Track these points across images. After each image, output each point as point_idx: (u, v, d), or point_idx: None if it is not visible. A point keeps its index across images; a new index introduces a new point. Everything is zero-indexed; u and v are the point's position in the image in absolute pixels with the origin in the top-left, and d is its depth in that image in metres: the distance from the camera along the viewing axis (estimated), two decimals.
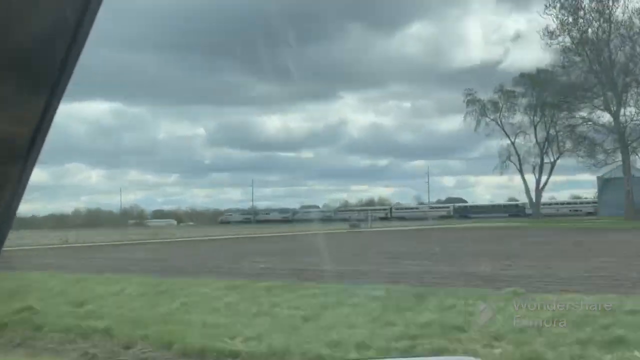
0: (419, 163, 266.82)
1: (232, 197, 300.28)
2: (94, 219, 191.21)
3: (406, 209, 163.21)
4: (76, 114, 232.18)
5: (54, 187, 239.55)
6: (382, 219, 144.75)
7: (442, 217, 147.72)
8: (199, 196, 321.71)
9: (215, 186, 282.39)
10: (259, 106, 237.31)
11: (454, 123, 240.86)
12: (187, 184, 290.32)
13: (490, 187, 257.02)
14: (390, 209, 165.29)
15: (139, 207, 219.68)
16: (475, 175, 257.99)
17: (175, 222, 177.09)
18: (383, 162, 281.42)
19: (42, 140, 1.09)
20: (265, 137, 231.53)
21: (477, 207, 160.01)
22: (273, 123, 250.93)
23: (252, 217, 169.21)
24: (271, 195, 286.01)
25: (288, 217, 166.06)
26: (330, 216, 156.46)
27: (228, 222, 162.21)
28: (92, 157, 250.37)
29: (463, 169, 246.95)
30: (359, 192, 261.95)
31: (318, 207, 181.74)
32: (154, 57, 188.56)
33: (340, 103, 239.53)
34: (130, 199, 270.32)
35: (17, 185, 1.08)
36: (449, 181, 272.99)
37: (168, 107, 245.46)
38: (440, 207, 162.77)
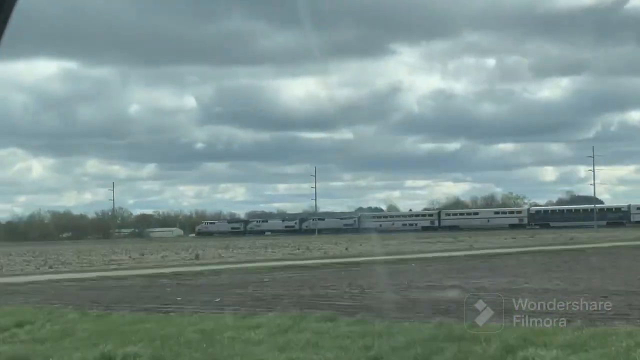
0: (506, 147, 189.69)
1: (233, 195, 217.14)
2: (61, 226, 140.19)
3: (460, 215, 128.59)
4: (9, 78, 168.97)
5: None
6: (425, 228, 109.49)
7: (513, 226, 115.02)
8: (186, 195, 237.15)
9: (209, 181, 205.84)
10: (274, 65, 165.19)
11: (558, 88, 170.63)
12: (168, 177, 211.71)
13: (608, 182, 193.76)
14: (439, 213, 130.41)
15: (123, 208, 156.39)
16: (588, 164, 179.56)
17: (181, 232, 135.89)
18: (452, 145, 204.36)
19: None
20: (282, 109, 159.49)
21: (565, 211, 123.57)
22: (294, 89, 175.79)
23: (243, 227, 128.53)
24: (287, 194, 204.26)
25: (294, 227, 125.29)
26: (351, 225, 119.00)
27: (210, 234, 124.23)
28: (34, 141, 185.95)
29: (570, 155, 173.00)
30: (415, 191, 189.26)
31: (382, 209, 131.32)
32: None
33: (393, 60, 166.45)
34: (86, 199, 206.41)
35: None
36: (547, 173, 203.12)
37: (144, 68, 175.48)
38: (506, 213, 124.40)
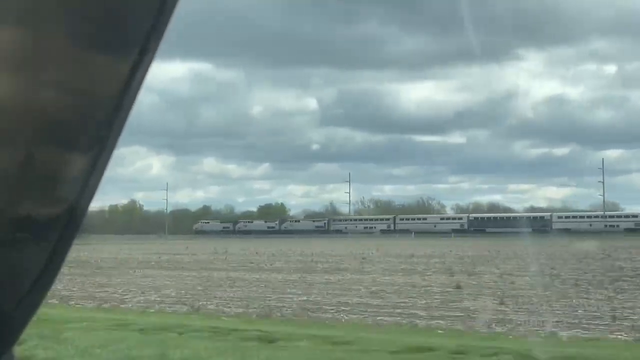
0: (614, 153, 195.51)
1: (339, 196, 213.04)
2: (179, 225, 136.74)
3: (412, 220, 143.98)
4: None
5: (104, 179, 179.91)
6: (383, 232, 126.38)
7: (455, 231, 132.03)
8: (294, 195, 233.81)
9: (319, 181, 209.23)
10: (398, 69, 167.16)
11: None
12: (280, 177, 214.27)
13: None
14: (394, 218, 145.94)
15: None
16: None
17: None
18: (561, 150, 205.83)
19: (124, 119, 0.97)
20: (400, 113, 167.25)
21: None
22: (414, 93, 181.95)
23: (232, 227, 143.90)
24: (392, 195, 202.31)
25: (274, 227, 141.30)
26: (322, 227, 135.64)
27: (205, 233, 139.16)
28: (157, 140, 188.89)
29: None
30: (517, 195, 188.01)
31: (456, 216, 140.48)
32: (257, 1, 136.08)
33: (517, 66, 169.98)
34: (198, 196, 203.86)
35: (89, 177, 0.94)
36: None
37: (272, 70, 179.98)
38: (450, 219, 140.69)
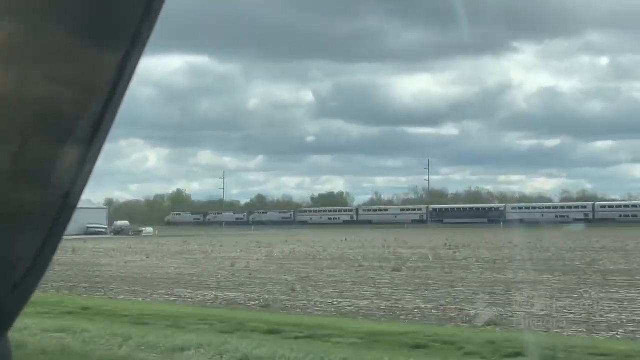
0: (604, 145, 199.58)
1: (332, 187, 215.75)
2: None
3: (374, 211, 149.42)
4: (139, 73, 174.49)
5: (95, 170, 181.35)
6: (346, 222, 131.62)
7: (415, 221, 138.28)
8: (288, 186, 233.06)
9: (312, 173, 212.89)
10: (395, 62, 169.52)
11: None
12: (275, 169, 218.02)
13: None
14: (357, 209, 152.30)
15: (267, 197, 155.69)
16: None
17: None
18: (553, 142, 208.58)
19: (116, 109, 0.94)
20: (395, 105, 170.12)
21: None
22: (410, 86, 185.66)
23: (203, 218, 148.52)
24: (385, 187, 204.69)
25: (243, 219, 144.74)
26: (288, 218, 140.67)
27: (176, 224, 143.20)
28: (154, 132, 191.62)
29: None
30: (508, 185, 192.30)
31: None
32: None
33: (511, 58, 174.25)
34: (194, 188, 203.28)
35: (81, 167, 0.91)
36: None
37: (269, 63, 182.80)
38: (410, 210, 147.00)
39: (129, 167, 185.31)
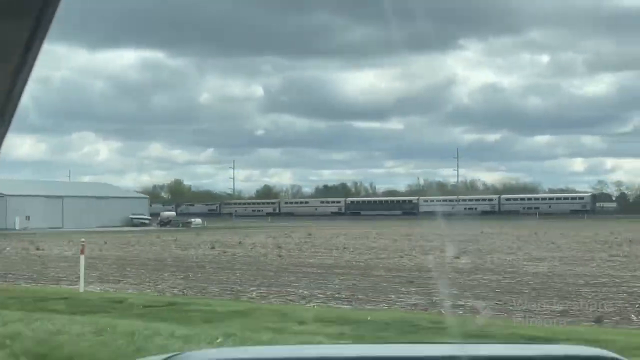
0: (542, 139, 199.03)
1: (280, 179, 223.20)
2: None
3: (295, 203, 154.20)
4: (94, 67, 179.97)
5: (49, 163, 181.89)
6: (269, 214, 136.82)
7: (334, 213, 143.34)
8: (236, 179, 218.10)
9: (261, 165, 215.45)
10: (344, 58, 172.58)
11: (605, 84, 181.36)
12: (224, 161, 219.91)
13: (631, 174, 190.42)
14: (279, 202, 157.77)
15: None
16: (615, 157, 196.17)
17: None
18: (493, 136, 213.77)
19: (17, 101, 0.87)
20: (343, 100, 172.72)
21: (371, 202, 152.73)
22: (358, 81, 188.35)
23: None
24: (330, 179, 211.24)
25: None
26: (215, 210, 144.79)
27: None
28: (107, 125, 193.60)
29: (601, 148, 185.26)
30: (448, 178, 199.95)
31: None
32: None
33: (457, 55, 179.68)
34: (144, 181, 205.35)
35: None
36: (576, 165, 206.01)
37: (222, 58, 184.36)
38: (329, 203, 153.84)
39: (81, 160, 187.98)
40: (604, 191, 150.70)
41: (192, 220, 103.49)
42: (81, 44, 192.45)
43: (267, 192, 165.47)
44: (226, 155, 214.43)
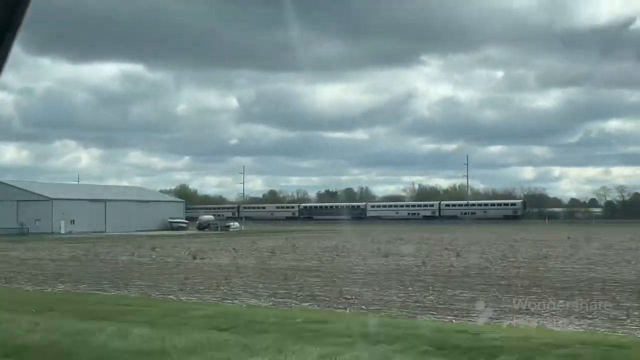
0: (496, 149, 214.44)
1: (252, 186, 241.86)
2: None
3: (253, 208, 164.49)
4: (77, 79, 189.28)
5: (31, 169, 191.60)
6: (229, 218, 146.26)
7: (288, 218, 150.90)
8: (210, 185, 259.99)
9: (233, 172, 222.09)
10: (314, 72, 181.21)
11: (554, 99, 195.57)
12: (200, 169, 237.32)
13: (576, 181, 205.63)
14: (238, 207, 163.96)
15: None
16: (562, 165, 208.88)
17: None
18: (450, 146, 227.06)
19: None
20: (312, 112, 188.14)
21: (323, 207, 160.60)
22: (326, 94, 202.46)
23: None
24: (298, 185, 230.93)
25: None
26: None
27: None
28: (88, 134, 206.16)
29: (550, 157, 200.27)
30: (410, 185, 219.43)
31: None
32: (188, 7, 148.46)
33: (418, 70, 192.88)
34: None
35: None
36: (527, 173, 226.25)
37: (199, 71, 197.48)
38: (284, 208, 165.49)
39: (63, 166, 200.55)
40: (608, 197, 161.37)
41: (231, 224, 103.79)
42: (64, 56, 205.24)
43: (272, 197, 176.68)
44: (202, 162, 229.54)
